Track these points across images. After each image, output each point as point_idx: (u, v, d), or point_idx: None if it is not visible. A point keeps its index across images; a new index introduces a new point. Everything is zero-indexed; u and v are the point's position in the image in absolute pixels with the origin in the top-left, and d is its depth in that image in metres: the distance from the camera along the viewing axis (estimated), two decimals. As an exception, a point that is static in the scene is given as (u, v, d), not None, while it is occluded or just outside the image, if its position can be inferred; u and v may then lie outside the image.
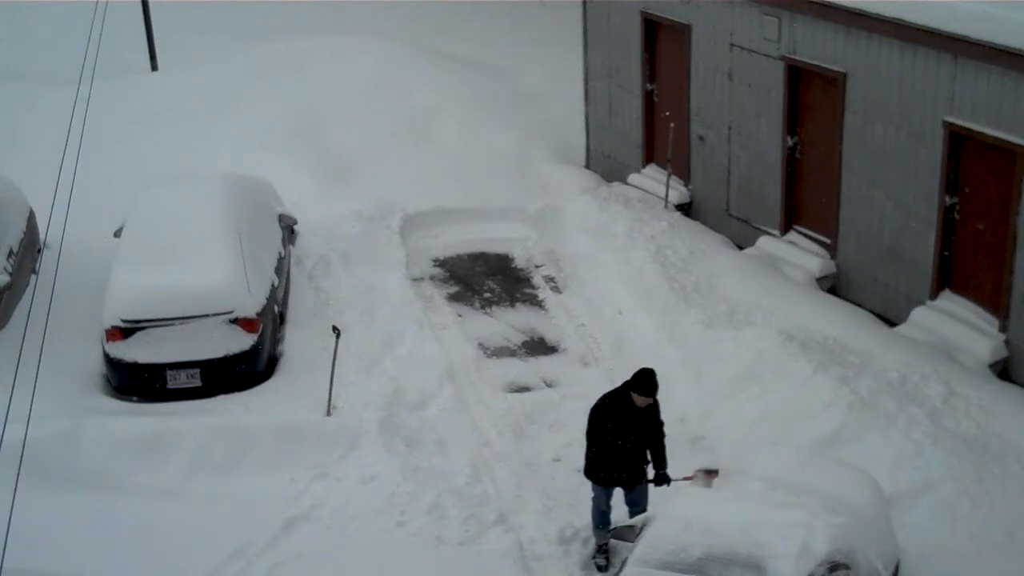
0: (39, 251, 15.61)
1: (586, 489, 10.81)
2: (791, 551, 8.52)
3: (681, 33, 16.97)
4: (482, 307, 15.79)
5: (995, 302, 13.11)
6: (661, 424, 10.61)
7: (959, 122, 12.83)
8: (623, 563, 9.08)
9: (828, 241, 15.23)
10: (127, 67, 23.27)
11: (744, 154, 16.32)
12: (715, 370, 13.17)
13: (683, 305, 14.44)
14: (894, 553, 9.74)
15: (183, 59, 24.42)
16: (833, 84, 14.47)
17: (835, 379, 12.30)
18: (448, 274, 16.71)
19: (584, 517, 11.07)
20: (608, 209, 17.12)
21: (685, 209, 17.46)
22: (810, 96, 15.10)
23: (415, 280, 16.29)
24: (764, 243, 16.01)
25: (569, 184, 18.82)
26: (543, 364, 14.38)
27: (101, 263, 14.39)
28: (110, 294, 13.55)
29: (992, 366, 12.93)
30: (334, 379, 12.85)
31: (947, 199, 13.29)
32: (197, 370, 13.33)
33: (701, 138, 17.08)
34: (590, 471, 10.59)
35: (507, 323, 15.36)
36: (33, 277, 15.14)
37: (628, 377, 10.51)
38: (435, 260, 17.06)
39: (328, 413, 12.72)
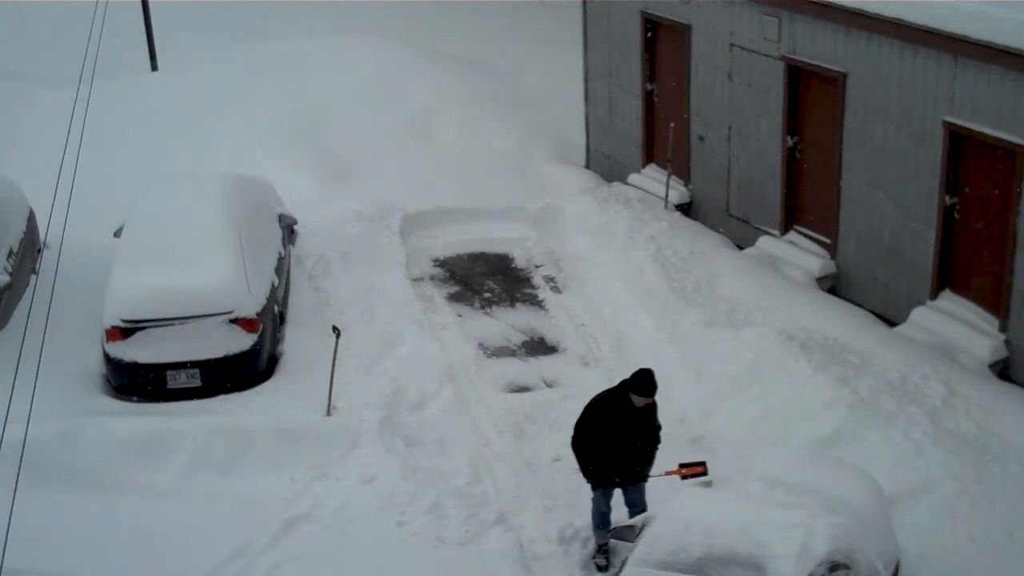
0: (39, 251, 15.61)
1: (586, 489, 10.81)
2: (791, 551, 8.51)
3: (681, 33, 16.97)
4: (482, 307, 15.80)
5: (995, 302, 13.11)
6: (658, 428, 10.59)
7: (959, 122, 12.83)
8: (623, 563, 9.08)
9: (828, 241, 15.23)
10: (127, 67, 23.27)
11: (744, 154, 16.32)
12: (715, 370, 13.17)
13: (683, 305, 14.44)
14: (894, 553, 9.74)
15: (183, 59, 24.42)
16: (833, 84, 14.46)
17: (835, 379, 12.30)
18: (448, 274, 16.71)
19: (584, 517, 11.07)
20: (608, 209, 17.12)
21: (685, 209, 17.46)
22: (810, 96, 15.10)
23: (415, 280, 16.29)
24: (764, 243, 16.01)
25: (569, 184, 18.82)
26: (543, 364, 14.38)
27: (101, 263, 14.39)
28: (110, 294, 13.55)
29: (992, 366, 12.93)
30: (334, 379, 12.85)
31: (947, 199, 13.29)
32: (197, 370, 13.33)
33: (701, 138, 17.08)
34: (586, 472, 10.57)
35: (507, 323, 15.36)
36: (33, 277, 15.14)
37: (628, 376, 10.49)
38: (435, 260, 17.06)
39: (328, 413, 12.72)
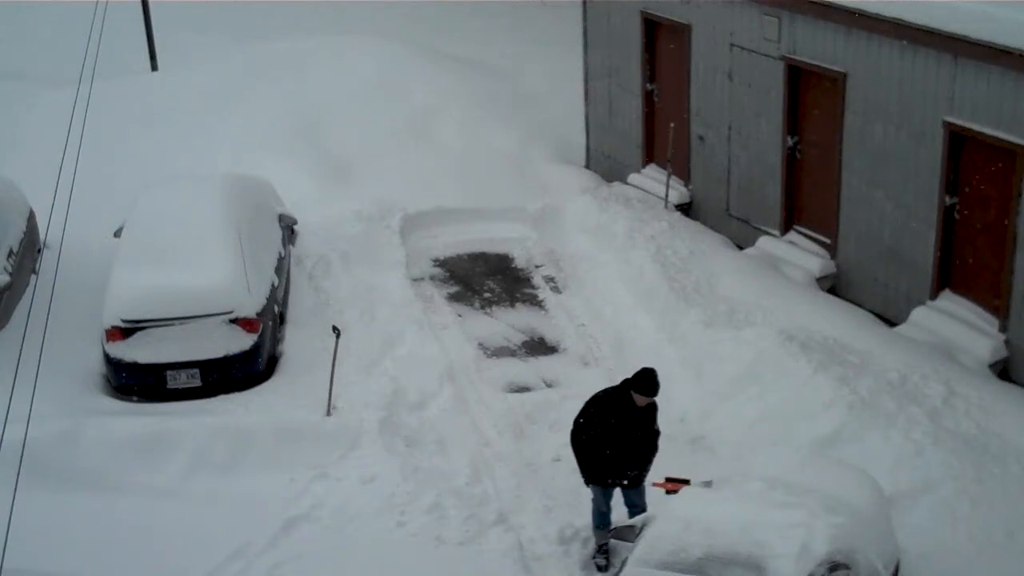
0: (39, 251, 15.61)
1: (586, 489, 10.81)
2: (791, 551, 8.51)
3: (681, 33, 16.97)
4: (482, 307, 15.80)
5: (995, 302, 13.11)
6: (656, 432, 10.58)
7: (959, 122, 12.83)
8: (623, 563, 9.07)
9: (828, 241, 15.23)
10: (127, 67, 23.27)
11: (744, 154, 16.32)
12: (715, 370, 13.17)
13: (683, 305, 14.44)
14: (894, 553, 9.74)
15: (183, 59, 24.42)
16: (833, 84, 14.46)
17: (835, 379, 12.30)
18: (448, 274, 16.72)
19: (584, 517, 11.07)
20: (608, 209, 17.12)
21: (685, 209, 17.46)
22: (810, 96, 15.10)
23: (415, 280, 16.29)
24: (764, 243, 16.01)
25: (569, 184, 18.82)
26: (543, 364, 14.38)
27: (101, 263, 14.39)
28: (110, 294, 13.55)
29: (992, 366, 12.93)
30: (334, 379, 12.85)
31: (947, 199, 13.29)
32: (197, 370, 13.33)
33: (701, 138, 17.08)
34: (585, 471, 10.57)
35: (507, 323, 15.36)
36: (33, 277, 15.14)
37: (629, 376, 10.49)
38: (435, 260, 17.06)
39: (328, 413, 12.72)
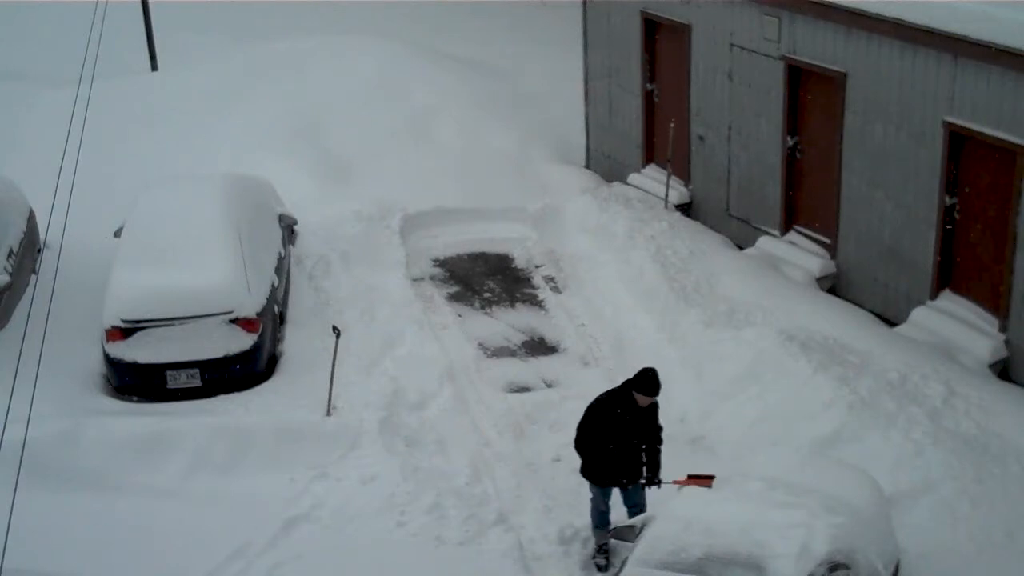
0: (39, 251, 15.61)
1: (586, 489, 10.81)
2: (791, 551, 8.51)
3: (681, 33, 16.97)
4: (482, 307, 15.79)
5: (995, 302, 13.11)
6: (659, 428, 10.60)
7: (959, 122, 12.83)
8: (623, 563, 9.08)
9: (828, 241, 15.23)
10: (127, 67, 23.27)
11: (744, 154, 16.32)
12: (715, 370, 13.16)
13: (683, 305, 14.44)
14: (894, 553, 9.74)
15: (183, 59, 24.42)
16: (833, 84, 14.46)
17: (835, 379, 12.30)
18: (448, 274, 16.71)
19: (584, 517, 11.07)
20: (608, 209, 17.12)
21: (685, 209, 17.46)
22: (810, 96, 15.10)
23: (415, 280, 16.29)
24: (764, 243, 16.01)
25: (569, 184, 18.82)
26: (543, 364, 14.38)
27: (101, 263, 14.39)
28: (110, 294, 13.55)
29: (992, 366, 12.93)
30: (334, 379, 12.84)
31: (947, 199, 13.29)
32: (197, 370, 13.33)
33: (701, 138, 17.08)
34: (586, 470, 10.59)
35: (507, 323, 15.36)
36: (33, 277, 15.14)
37: (629, 376, 10.50)
38: (435, 260, 17.06)
39: (328, 413, 12.72)
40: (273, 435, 12.29)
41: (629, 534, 9.45)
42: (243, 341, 13.42)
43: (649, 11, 17.52)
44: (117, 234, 14.83)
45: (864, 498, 9.83)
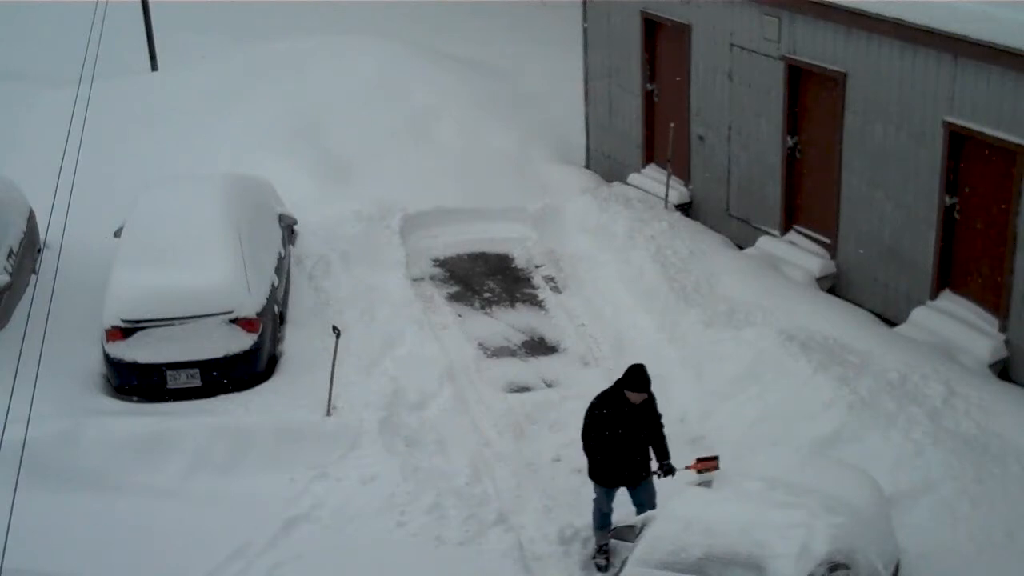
0: (39, 251, 15.61)
1: (586, 489, 10.81)
2: (791, 551, 8.51)
3: (681, 33, 16.97)
4: (482, 307, 15.80)
5: (995, 302, 13.11)
6: (659, 417, 10.61)
7: (959, 122, 12.83)
8: (623, 563, 9.08)
9: (828, 241, 15.23)
10: (127, 67, 23.27)
11: (744, 154, 16.32)
12: (715, 370, 13.16)
13: (683, 305, 14.44)
14: (894, 553, 9.74)
15: (183, 59, 24.42)
16: (833, 84, 14.46)
17: (835, 379, 12.30)
18: (448, 274, 16.72)
19: (584, 517, 11.07)
20: (608, 209, 17.12)
21: (685, 209, 17.46)
22: (810, 96, 15.10)
23: (415, 280, 16.29)
24: (764, 243, 16.01)
25: (569, 184, 18.82)
26: (543, 364, 14.38)
27: (101, 263, 14.39)
28: (110, 294, 13.55)
29: (992, 366, 12.93)
30: (334, 379, 12.84)
31: (947, 199, 13.29)
32: (197, 370, 13.32)
33: (701, 138, 17.08)
34: (593, 473, 10.59)
35: (507, 323, 15.36)
36: (33, 277, 15.13)
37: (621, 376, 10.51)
38: (435, 260, 17.06)
39: (328, 413, 12.72)
40: (273, 435, 12.29)
41: (629, 534, 9.46)
42: (243, 341, 13.42)
43: (649, 11, 17.52)
44: (117, 234, 14.83)
45: (864, 498, 9.83)
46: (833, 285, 15.12)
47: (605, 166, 19.35)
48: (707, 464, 10.21)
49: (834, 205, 14.88)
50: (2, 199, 15.18)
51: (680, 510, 9.23)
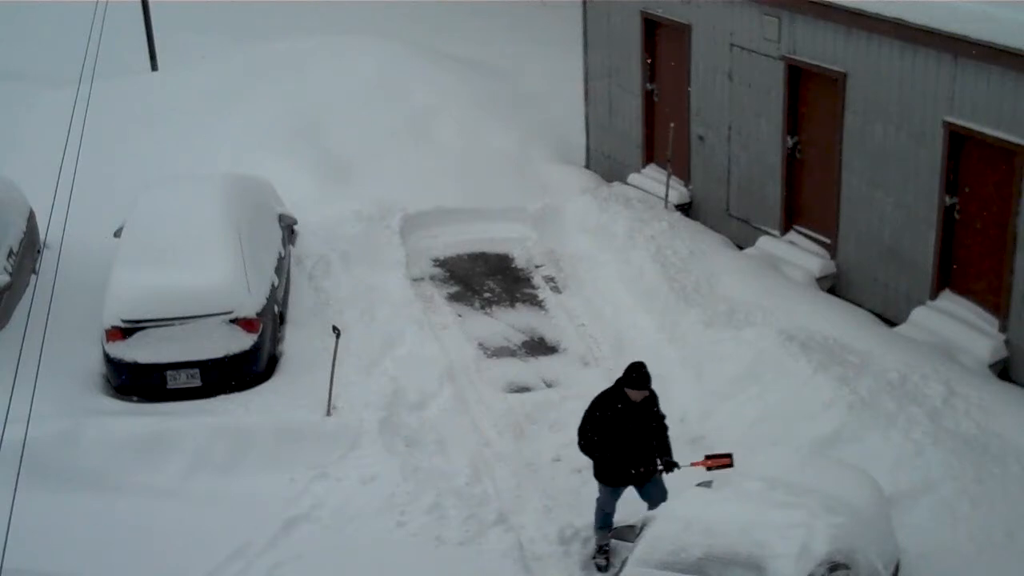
0: (39, 251, 15.61)
1: (586, 489, 10.81)
2: (791, 551, 8.51)
3: (681, 33, 16.97)
4: (482, 307, 15.79)
5: (995, 302, 13.11)
6: (662, 416, 10.61)
7: (959, 122, 12.83)
8: (623, 563, 9.08)
9: (828, 241, 15.23)
10: (127, 67, 23.27)
11: (744, 154, 16.32)
12: (715, 370, 13.16)
13: (683, 305, 14.44)
14: (894, 553, 9.74)
15: (183, 59, 24.42)
16: (833, 84, 14.46)
17: (835, 379, 12.30)
18: (448, 274, 16.71)
19: (584, 517, 11.07)
20: (608, 209, 17.12)
21: (685, 209, 17.46)
22: (810, 96, 15.10)
23: (415, 280, 16.29)
24: (764, 243, 16.01)
25: (569, 184, 18.82)
26: (543, 364, 14.38)
27: (101, 263, 14.39)
28: (110, 294, 13.55)
29: (992, 366, 12.93)
30: (334, 379, 12.84)
31: (947, 199, 13.29)
32: (197, 370, 13.32)
33: (701, 138, 17.08)
34: (598, 472, 10.58)
35: (507, 323, 15.36)
36: (33, 277, 15.13)
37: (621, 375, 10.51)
38: (435, 260, 17.06)
39: (328, 413, 12.72)
40: (273, 435, 12.29)
41: (629, 534, 9.47)
42: (243, 341, 13.42)
43: (649, 11, 17.52)
44: (117, 234, 14.83)
45: (864, 498, 9.83)
46: (833, 285, 15.12)
47: (605, 166, 19.35)
48: (719, 461, 10.19)
49: (834, 205, 14.88)
50: (2, 199, 15.18)
51: (680, 510, 9.23)
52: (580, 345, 14.73)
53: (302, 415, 12.72)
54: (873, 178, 14.21)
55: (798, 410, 12.13)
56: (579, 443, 10.58)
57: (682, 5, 16.76)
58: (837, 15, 14.01)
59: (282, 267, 14.89)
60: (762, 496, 9.36)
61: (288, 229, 16.05)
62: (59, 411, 12.34)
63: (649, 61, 17.91)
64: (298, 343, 14.25)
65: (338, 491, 11.67)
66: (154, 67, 24.50)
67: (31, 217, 15.66)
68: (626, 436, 10.34)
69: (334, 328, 13.09)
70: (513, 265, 16.93)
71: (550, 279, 16.41)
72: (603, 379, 13.27)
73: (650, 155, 18.41)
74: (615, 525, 10.57)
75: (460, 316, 15.53)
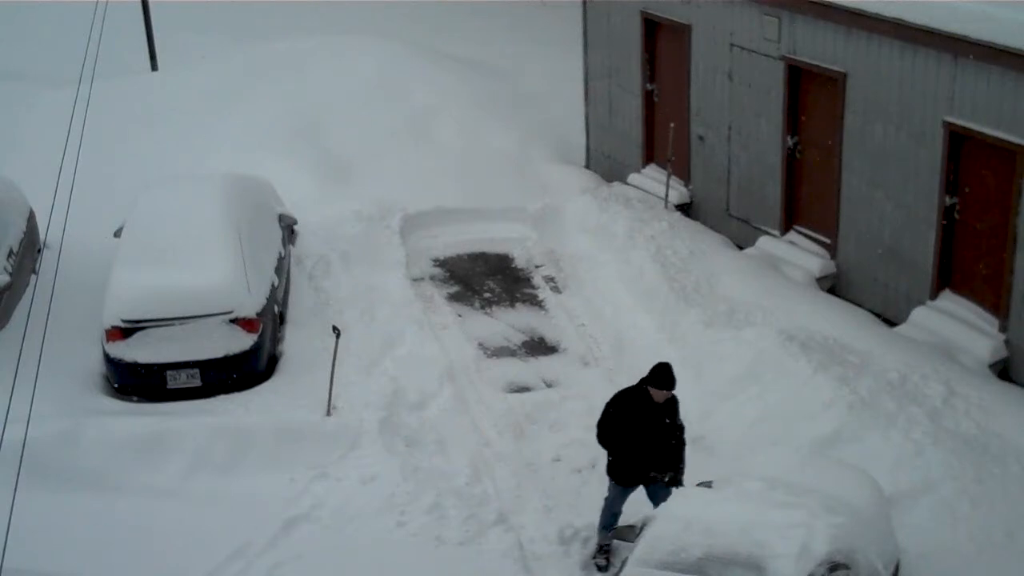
0: (39, 251, 15.61)
1: (586, 489, 10.82)
2: (791, 551, 8.51)
3: (681, 33, 16.97)
4: (482, 307, 15.79)
5: (995, 302, 13.11)
6: (681, 427, 10.59)
7: (959, 122, 12.83)
8: (623, 563, 9.08)
9: (828, 241, 15.23)
10: (127, 67, 23.27)
11: (744, 154, 16.32)
12: (715, 370, 13.16)
13: (683, 305, 14.44)
14: (894, 553, 9.74)
15: (183, 59, 24.42)
16: (833, 84, 14.46)
17: (835, 379, 12.30)
18: (448, 274, 16.71)
19: (584, 517, 11.07)
20: (608, 209, 17.11)
21: (685, 209, 17.46)
22: (810, 96, 15.10)
23: (415, 280, 16.29)
24: (764, 243, 16.01)
25: (569, 184, 18.82)
26: (543, 364, 14.38)
27: (101, 263, 14.39)
28: (110, 294, 13.55)
29: (992, 366, 12.93)
30: (334, 379, 12.84)
31: (947, 199, 13.29)
32: (197, 370, 13.32)
33: (701, 138, 17.08)
34: (611, 470, 10.56)
35: (507, 323, 15.36)
36: (33, 277, 15.13)
37: (631, 377, 10.50)
38: (435, 260, 17.06)
39: (328, 413, 12.72)
40: (273, 435, 12.29)
41: (629, 534, 9.45)
42: (243, 341, 13.42)
43: (649, 11, 17.52)
44: (117, 234, 14.83)
45: (864, 498, 9.83)
46: (833, 285, 15.12)
47: (605, 166, 19.35)
48: None
49: (834, 205, 14.88)
50: (2, 199, 15.18)
51: (680, 510, 9.22)
52: (580, 345, 14.73)
53: (302, 415, 12.72)
54: (873, 178, 14.21)
55: (798, 410, 12.13)
56: (597, 435, 10.56)
57: (682, 5, 16.76)
58: (837, 15, 14.01)
59: (282, 267, 14.89)
60: (762, 496, 9.35)
61: (288, 229, 16.05)
62: (59, 411, 12.34)
63: (649, 61, 17.91)
64: (298, 343, 14.25)
65: (338, 491, 11.67)
66: (154, 67, 24.51)
67: (31, 217, 15.66)
68: (644, 436, 10.32)
69: (334, 328, 13.09)
70: (513, 265, 16.93)
71: (550, 279, 16.41)
72: (603, 379, 13.30)
73: (650, 155, 18.41)
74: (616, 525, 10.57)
75: (460, 316, 15.53)
